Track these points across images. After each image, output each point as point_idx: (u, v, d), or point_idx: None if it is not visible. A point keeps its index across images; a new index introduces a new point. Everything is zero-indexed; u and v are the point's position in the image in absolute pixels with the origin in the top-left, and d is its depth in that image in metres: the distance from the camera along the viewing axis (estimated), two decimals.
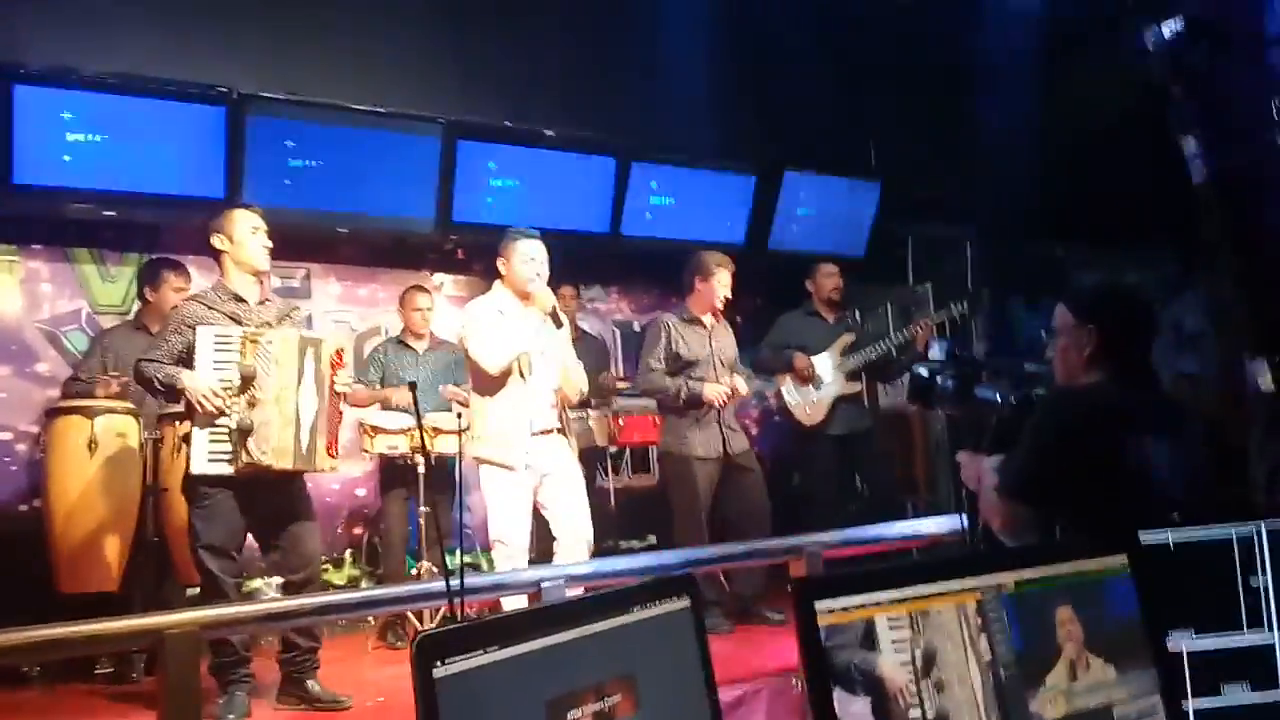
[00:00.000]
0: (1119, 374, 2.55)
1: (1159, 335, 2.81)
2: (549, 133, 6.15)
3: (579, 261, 4.95)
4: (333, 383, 3.98)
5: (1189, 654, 1.82)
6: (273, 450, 3.72)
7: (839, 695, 1.26)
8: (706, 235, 6.55)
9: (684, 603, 1.35)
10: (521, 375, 4.42)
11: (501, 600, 4.09)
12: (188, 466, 3.77)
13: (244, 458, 3.70)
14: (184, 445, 3.96)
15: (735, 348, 5.50)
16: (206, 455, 3.73)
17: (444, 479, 5.39)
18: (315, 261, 6.11)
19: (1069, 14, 5.95)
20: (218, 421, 3.73)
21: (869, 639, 1.31)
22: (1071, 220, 6.82)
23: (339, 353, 4.05)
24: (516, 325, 4.43)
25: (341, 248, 6.08)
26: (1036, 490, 2.46)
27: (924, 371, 2.96)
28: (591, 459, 5.82)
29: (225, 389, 3.71)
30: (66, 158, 4.92)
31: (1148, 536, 1.81)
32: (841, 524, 5.04)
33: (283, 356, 3.79)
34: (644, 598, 1.29)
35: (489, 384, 4.44)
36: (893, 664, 1.32)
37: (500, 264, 4.54)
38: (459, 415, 4.19)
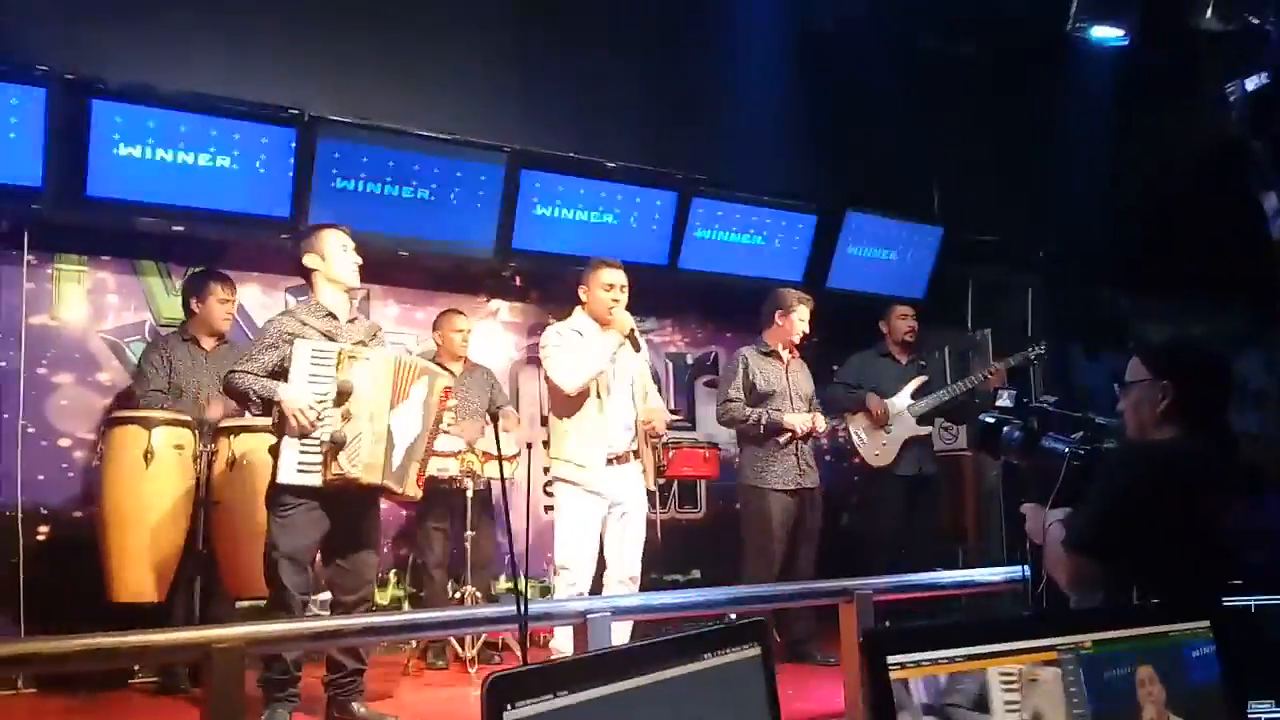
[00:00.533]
0: (1193, 430, 2.48)
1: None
2: (611, 165, 6.17)
3: (635, 293, 4.94)
4: (440, 417, 4.04)
5: None
6: (364, 465, 3.77)
7: None
8: (765, 272, 6.54)
9: (755, 650, 1.32)
10: (599, 396, 4.44)
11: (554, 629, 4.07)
12: (274, 476, 3.80)
13: (334, 469, 3.73)
14: (238, 458, 3.96)
15: (811, 382, 5.50)
16: (296, 466, 3.77)
17: (489, 504, 5.38)
18: (375, 283, 6.15)
19: (1146, 63, 5.88)
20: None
21: (981, 698, 1.28)
22: (1137, 271, 6.72)
23: (448, 390, 4.12)
24: (595, 346, 4.46)
25: (401, 271, 6.11)
26: (1106, 546, 2.39)
27: (990, 420, 2.91)
28: None
29: (319, 403, 3.75)
30: (139, 172, 4.99)
31: (1229, 601, 1.76)
32: (892, 568, 4.98)
33: (380, 375, 3.84)
34: (716, 644, 1.26)
35: (566, 405, 4.47)
36: None
37: (582, 290, 4.61)
38: (526, 442, 4.20)
